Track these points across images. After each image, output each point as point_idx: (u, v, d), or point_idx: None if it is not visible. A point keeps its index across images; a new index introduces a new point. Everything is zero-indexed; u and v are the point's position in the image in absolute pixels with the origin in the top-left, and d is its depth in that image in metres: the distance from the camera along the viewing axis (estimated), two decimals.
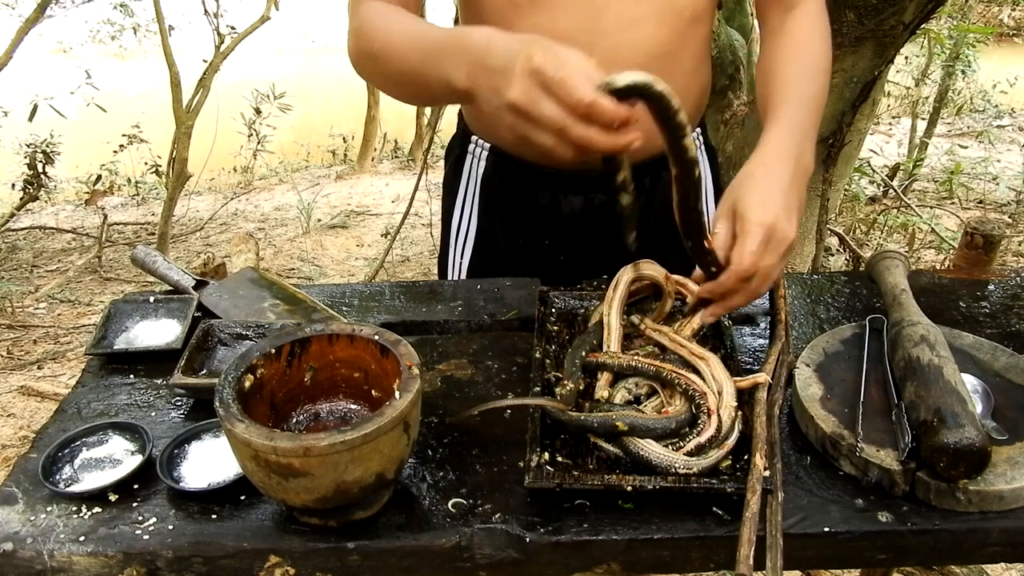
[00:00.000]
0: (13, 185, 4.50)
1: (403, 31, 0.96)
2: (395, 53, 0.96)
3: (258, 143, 5.40)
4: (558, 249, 1.25)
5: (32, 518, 0.77)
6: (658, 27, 1.08)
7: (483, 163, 1.27)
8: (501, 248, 1.29)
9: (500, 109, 0.79)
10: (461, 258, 1.33)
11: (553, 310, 1.07)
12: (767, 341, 1.04)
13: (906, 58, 5.50)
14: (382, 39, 0.98)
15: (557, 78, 0.74)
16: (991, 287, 1.17)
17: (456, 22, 1.20)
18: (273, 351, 0.80)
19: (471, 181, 1.30)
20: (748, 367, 0.98)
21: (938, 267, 3.64)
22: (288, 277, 4.07)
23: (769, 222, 0.89)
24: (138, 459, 0.83)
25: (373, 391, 0.84)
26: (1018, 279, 1.19)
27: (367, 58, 1.01)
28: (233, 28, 4.43)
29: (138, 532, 0.76)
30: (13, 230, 4.71)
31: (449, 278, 1.35)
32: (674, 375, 0.86)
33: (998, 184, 4.80)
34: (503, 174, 1.24)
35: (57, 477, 0.81)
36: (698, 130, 1.29)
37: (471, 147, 1.29)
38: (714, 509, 0.77)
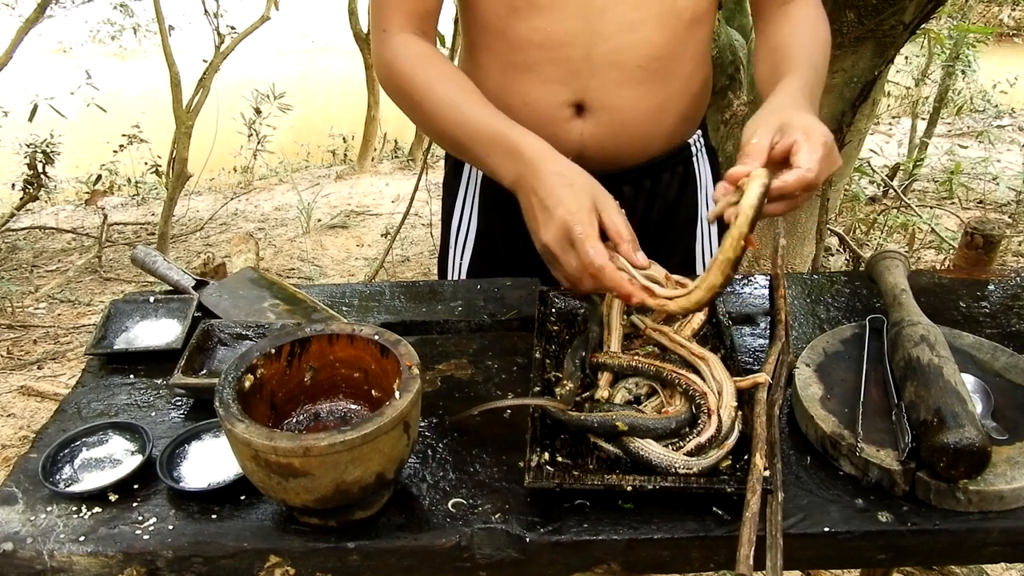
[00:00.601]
0: (13, 185, 4.50)
1: (446, 100, 1.03)
2: (438, 119, 1.04)
3: (258, 143, 5.41)
4: None
5: (32, 518, 0.77)
6: (657, 30, 1.08)
7: None
8: (501, 249, 1.29)
9: (534, 232, 0.94)
10: (461, 259, 1.33)
11: (553, 310, 1.07)
12: (767, 341, 1.04)
13: (906, 58, 5.51)
14: (423, 96, 1.04)
15: (581, 242, 0.86)
16: (991, 287, 1.17)
17: (456, 23, 1.21)
18: (273, 351, 0.80)
19: (471, 182, 1.30)
20: (748, 367, 0.98)
21: (938, 267, 3.64)
22: (288, 277, 4.07)
23: (831, 139, 0.86)
24: (138, 459, 0.83)
25: (373, 391, 0.84)
26: (1018, 279, 1.19)
27: (406, 104, 1.07)
28: (233, 28, 4.43)
29: (138, 532, 0.76)
30: (13, 230, 4.71)
31: (449, 278, 1.35)
32: (674, 375, 0.86)
33: (998, 184, 4.80)
34: None
35: (57, 477, 0.81)
36: (699, 132, 1.29)
37: None
38: (714, 509, 0.77)
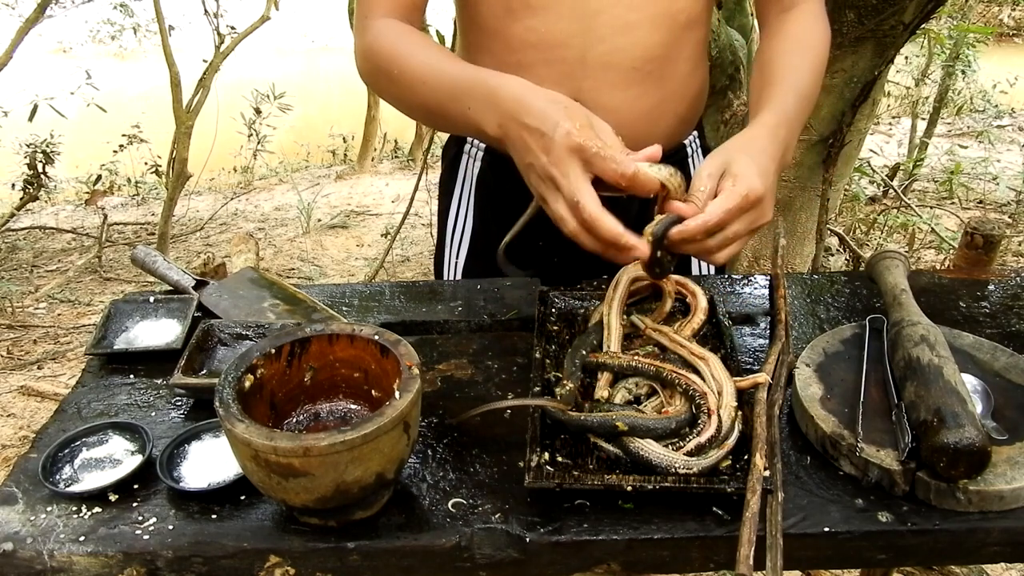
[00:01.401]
0: (13, 185, 4.50)
1: (425, 64, 0.98)
2: (418, 85, 0.99)
3: (258, 143, 5.41)
4: (553, 250, 1.25)
5: (32, 518, 0.77)
6: (653, 31, 1.08)
7: (479, 163, 1.27)
8: (496, 248, 1.29)
9: (529, 167, 0.87)
10: (457, 258, 1.33)
11: (553, 310, 1.07)
12: (767, 341, 1.04)
13: (906, 58, 5.50)
14: (401, 66, 1.00)
15: (601, 154, 0.80)
16: (991, 287, 1.17)
17: (455, 27, 1.21)
18: (273, 351, 0.80)
19: (467, 181, 1.30)
20: (748, 367, 0.98)
21: (938, 267, 3.64)
22: (288, 277, 4.07)
23: (759, 194, 0.86)
24: (138, 459, 0.83)
25: (373, 391, 0.84)
26: (1018, 279, 1.19)
27: (385, 80, 1.03)
28: (233, 28, 4.43)
29: (138, 532, 0.76)
30: (13, 230, 4.71)
31: (445, 278, 1.35)
32: (674, 375, 0.86)
33: (998, 184, 4.80)
34: (499, 174, 1.24)
35: (57, 477, 0.81)
36: (695, 133, 1.29)
37: (467, 147, 1.29)
38: (714, 509, 0.77)
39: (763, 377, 0.86)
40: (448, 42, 4.54)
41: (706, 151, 1.33)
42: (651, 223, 0.87)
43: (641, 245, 0.84)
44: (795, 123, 1.00)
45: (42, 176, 4.31)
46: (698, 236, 0.86)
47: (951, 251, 3.72)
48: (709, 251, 0.89)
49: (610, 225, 0.82)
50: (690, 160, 1.28)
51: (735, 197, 0.85)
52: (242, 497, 0.80)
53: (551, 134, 0.83)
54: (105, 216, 4.59)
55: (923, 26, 2.34)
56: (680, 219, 0.86)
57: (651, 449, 0.78)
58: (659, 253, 0.87)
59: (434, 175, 1.49)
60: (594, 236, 0.84)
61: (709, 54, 1.94)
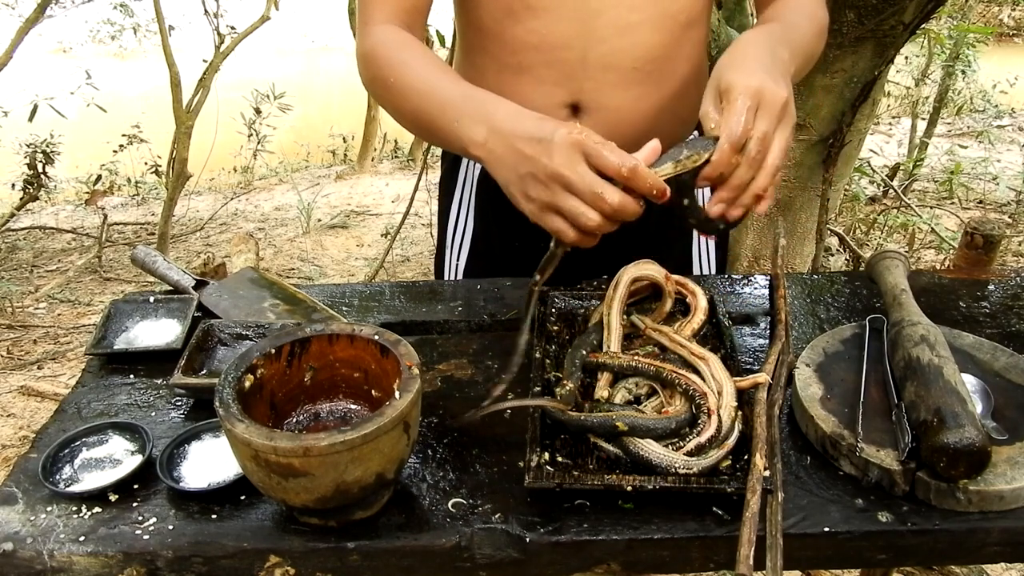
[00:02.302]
0: (13, 185, 4.49)
1: (419, 75, 0.97)
2: (411, 94, 0.98)
3: (258, 143, 5.40)
4: None
5: (32, 518, 0.77)
6: (653, 32, 1.08)
7: (479, 166, 1.27)
8: (497, 250, 1.29)
9: (527, 177, 0.84)
10: (457, 260, 1.33)
11: (553, 310, 1.07)
12: (767, 341, 1.04)
13: (906, 58, 5.50)
14: (398, 75, 0.99)
15: (601, 147, 0.79)
16: (991, 287, 1.17)
17: (454, 29, 1.21)
18: (273, 351, 0.80)
19: (467, 182, 1.30)
20: (748, 367, 0.98)
21: (938, 267, 3.64)
22: (288, 277, 4.07)
23: (754, 85, 0.83)
24: (138, 459, 0.83)
25: (373, 391, 0.84)
26: (1018, 279, 1.19)
27: (381, 87, 1.02)
28: (233, 28, 4.43)
29: (138, 532, 0.76)
30: (13, 230, 4.71)
31: (446, 279, 1.35)
32: (674, 375, 0.86)
33: (998, 184, 4.80)
34: None
35: (57, 477, 0.81)
36: (695, 132, 1.29)
37: None
38: (714, 509, 0.77)
39: (763, 377, 0.86)
40: (448, 42, 4.55)
41: None
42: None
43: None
44: (785, 39, 0.96)
45: (42, 176, 4.30)
46: (731, 160, 0.82)
47: (951, 251, 3.72)
48: (758, 165, 0.84)
49: (647, 172, 0.80)
50: None
51: (735, 103, 0.82)
52: (242, 497, 0.80)
53: (550, 137, 0.82)
54: (105, 216, 4.59)
55: (923, 26, 2.34)
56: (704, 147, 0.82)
57: (651, 449, 0.78)
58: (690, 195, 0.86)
59: (434, 175, 1.49)
60: (640, 188, 0.81)
61: (709, 54, 1.94)
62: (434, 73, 0.97)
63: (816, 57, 1.07)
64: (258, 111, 5.21)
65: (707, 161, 0.84)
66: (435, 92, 0.95)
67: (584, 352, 0.92)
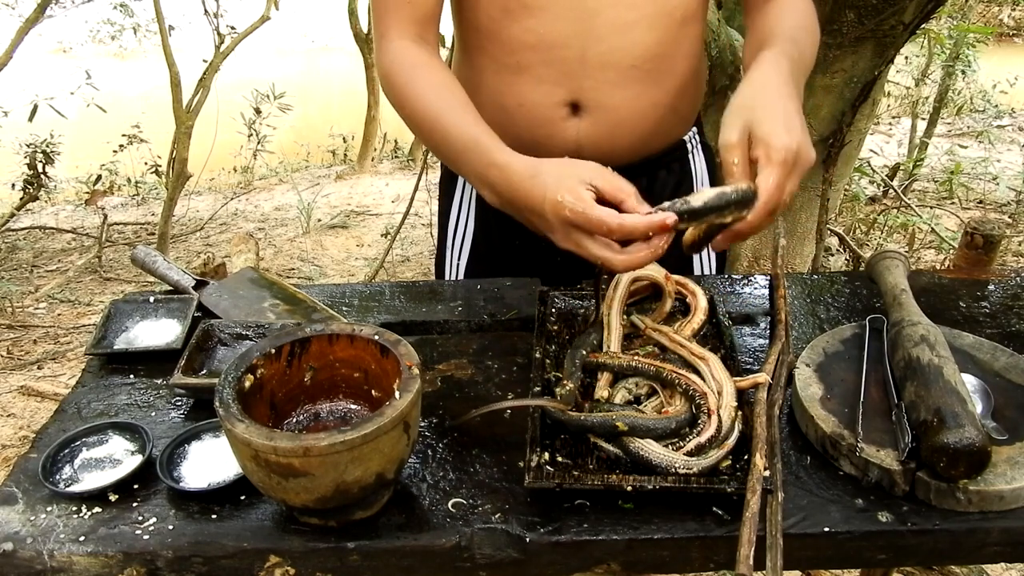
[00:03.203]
0: (13, 185, 4.49)
1: (432, 115, 1.02)
2: (427, 133, 1.04)
3: (258, 143, 5.40)
4: (555, 251, 1.25)
5: (32, 518, 0.77)
6: (651, 30, 1.08)
7: None
8: (498, 250, 1.29)
9: (550, 235, 0.89)
10: (458, 260, 1.33)
11: (553, 310, 1.07)
12: (767, 341, 1.04)
13: (906, 58, 5.50)
14: (413, 108, 1.04)
15: (586, 221, 0.82)
16: (991, 287, 1.17)
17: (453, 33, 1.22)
18: (273, 351, 0.80)
19: (467, 183, 1.30)
20: (748, 367, 0.98)
21: (938, 267, 3.64)
22: (288, 277, 4.07)
23: (795, 148, 0.83)
24: (138, 459, 0.83)
25: (373, 391, 0.84)
26: (1018, 279, 1.19)
27: (399, 112, 1.07)
28: (233, 28, 4.43)
29: (138, 532, 0.76)
30: (13, 230, 4.71)
31: (447, 278, 1.35)
32: (674, 375, 0.86)
33: (998, 184, 4.80)
34: None
35: (57, 477, 0.81)
36: (694, 129, 1.29)
37: None
38: (714, 509, 0.77)
39: (763, 377, 0.86)
40: (448, 42, 4.55)
41: (705, 147, 1.33)
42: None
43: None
44: (797, 66, 0.97)
45: (42, 176, 4.30)
46: (765, 221, 0.83)
47: (951, 251, 3.72)
48: (772, 219, 0.86)
49: (636, 219, 0.81)
50: (690, 156, 1.28)
51: (778, 167, 0.82)
52: (242, 497, 0.80)
53: (541, 212, 0.86)
54: (105, 216, 4.59)
55: (923, 26, 2.34)
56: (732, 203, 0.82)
57: (651, 449, 0.78)
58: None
59: (434, 175, 1.49)
60: (636, 237, 0.82)
61: (709, 53, 1.94)
62: (444, 112, 1.00)
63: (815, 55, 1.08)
64: (258, 111, 5.21)
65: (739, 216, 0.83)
66: (447, 138, 1.00)
67: (584, 352, 0.92)
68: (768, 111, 0.86)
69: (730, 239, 0.87)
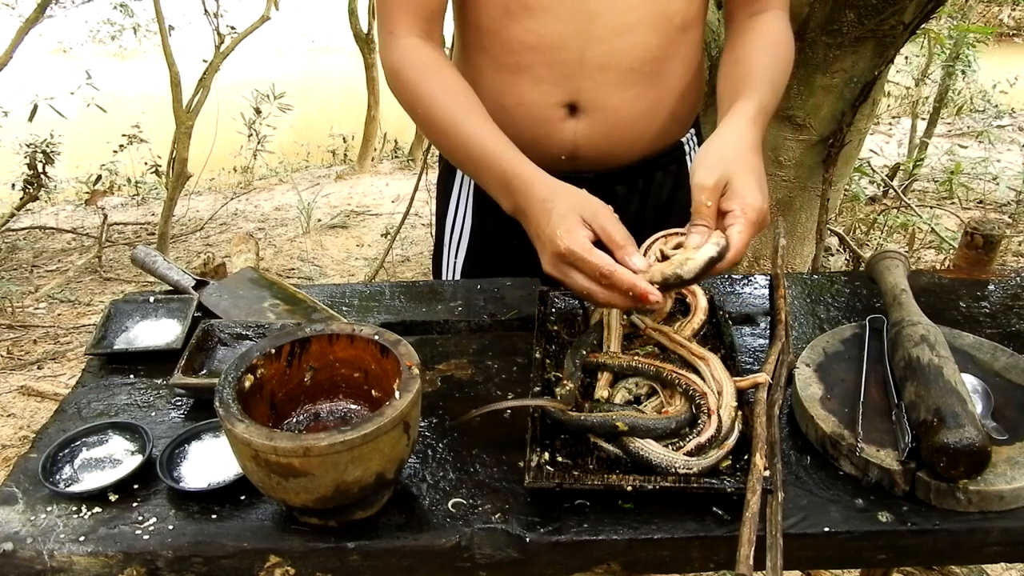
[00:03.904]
0: (13, 185, 4.49)
1: (445, 118, 1.03)
2: (439, 136, 1.05)
3: (258, 143, 5.40)
4: None
5: (32, 518, 0.77)
6: (650, 33, 1.09)
7: None
8: (495, 247, 1.30)
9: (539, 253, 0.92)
10: (455, 257, 1.33)
11: (553, 310, 1.07)
12: (767, 341, 1.04)
13: (906, 58, 5.50)
14: (425, 110, 1.05)
15: (582, 263, 0.85)
16: (991, 287, 1.17)
17: (453, 32, 1.22)
18: (273, 351, 0.80)
19: (465, 180, 1.30)
20: (748, 367, 0.98)
21: (938, 267, 3.64)
22: (288, 277, 4.07)
23: (766, 209, 0.89)
24: (138, 459, 0.83)
25: (373, 391, 0.84)
26: (1018, 279, 1.19)
27: (410, 112, 1.08)
28: (233, 28, 4.43)
29: (138, 532, 0.76)
30: (13, 230, 4.71)
31: (444, 277, 1.36)
32: (674, 375, 0.86)
33: (998, 184, 4.80)
34: None
35: (57, 477, 0.81)
36: (691, 131, 1.29)
37: None
38: (714, 509, 0.77)
39: (763, 377, 0.86)
40: (448, 42, 4.55)
41: None
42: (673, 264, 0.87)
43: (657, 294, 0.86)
44: (769, 112, 1.02)
45: (42, 176, 4.30)
46: (724, 270, 0.88)
47: (951, 251, 3.72)
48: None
49: (624, 274, 0.85)
50: (688, 158, 1.29)
51: (750, 226, 0.87)
52: (242, 497, 0.80)
53: (542, 240, 0.90)
54: (105, 216, 4.58)
55: (923, 26, 2.33)
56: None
57: (651, 449, 0.78)
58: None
59: (434, 175, 1.49)
60: (618, 288, 0.85)
61: (709, 54, 1.94)
62: (458, 116, 1.02)
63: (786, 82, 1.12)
64: (258, 111, 5.21)
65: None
66: (460, 143, 1.02)
67: (584, 352, 0.92)
68: (745, 169, 0.91)
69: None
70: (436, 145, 1.10)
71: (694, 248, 0.86)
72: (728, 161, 0.91)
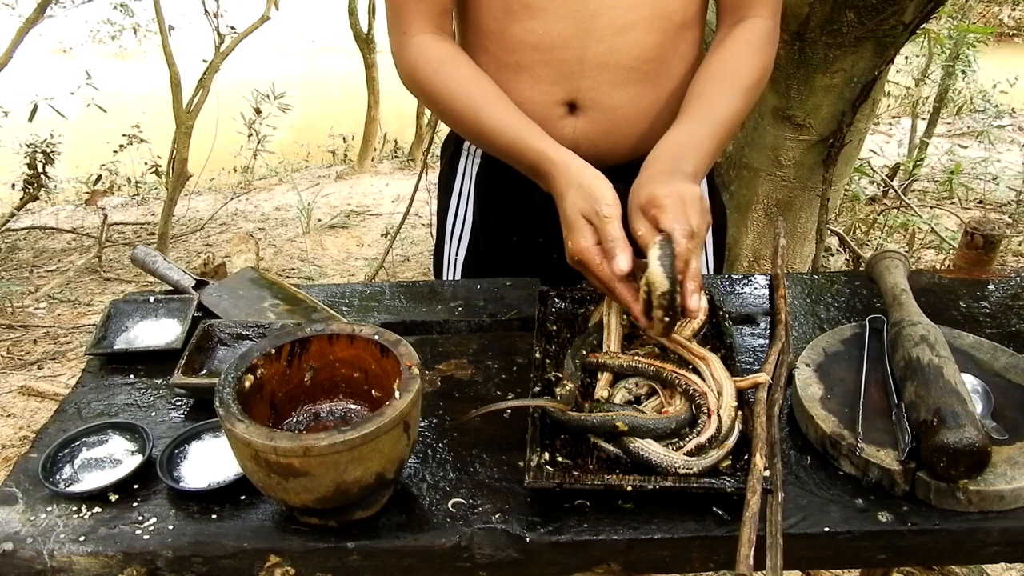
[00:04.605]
0: (13, 185, 4.49)
1: (469, 108, 1.06)
2: (464, 127, 1.09)
3: (258, 143, 5.41)
4: (552, 246, 1.25)
5: (32, 518, 0.77)
6: (649, 32, 1.09)
7: (478, 159, 1.28)
8: (496, 245, 1.30)
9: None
10: (456, 255, 1.33)
11: (553, 310, 1.07)
12: (767, 341, 1.04)
13: (906, 58, 5.50)
14: (447, 103, 1.08)
15: (586, 270, 0.91)
16: (991, 287, 1.17)
17: (454, 31, 1.22)
18: (273, 351, 0.80)
19: (466, 178, 1.30)
20: (748, 367, 0.98)
21: (938, 267, 3.64)
22: (288, 277, 4.07)
23: (690, 195, 0.90)
24: (138, 459, 0.83)
25: (373, 391, 0.84)
26: (1018, 279, 1.19)
27: (432, 107, 1.12)
28: (233, 28, 4.43)
29: (138, 532, 0.76)
30: (13, 230, 4.71)
31: (444, 275, 1.36)
32: (674, 375, 0.86)
33: (998, 184, 4.80)
34: (498, 171, 1.25)
35: (57, 477, 0.81)
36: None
37: (466, 144, 1.29)
38: (714, 509, 0.77)
39: (763, 377, 0.86)
40: None
41: None
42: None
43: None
44: (709, 147, 1.03)
45: (42, 176, 4.30)
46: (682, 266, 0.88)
47: (951, 251, 3.72)
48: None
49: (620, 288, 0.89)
50: None
51: (673, 207, 0.88)
52: (242, 497, 0.80)
53: (566, 234, 0.94)
54: (105, 216, 4.58)
55: (923, 26, 2.33)
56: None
57: (651, 449, 0.78)
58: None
59: (434, 175, 1.49)
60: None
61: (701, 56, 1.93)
62: (481, 105, 1.05)
63: (754, 103, 1.13)
64: (258, 111, 5.21)
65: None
66: (490, 134, 1.05)
67: (584, 352, 0.92)
68: (655, 176, 0.95)
69: None
70: (462, 135, 1.14)
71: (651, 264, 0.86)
72: (641, 185, 0.95)
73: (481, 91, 1.06)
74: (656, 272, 0.83)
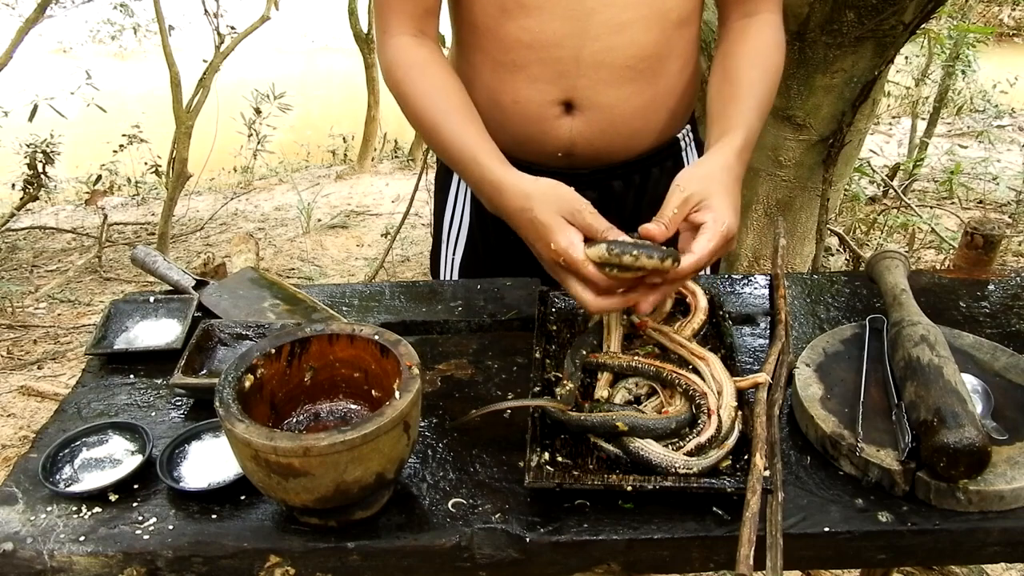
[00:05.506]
0: (13, 185, 4.49)
1: (431, 118, 1.05)
2: (426, 135, 1.08)
3: (258, 143, 5.40)
4: None
5: (32, 518, 0.77)
6: (646, 30, 1.09)
7: None
8: (493, 245, 1.30)
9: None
10: (453, 255, 1.33)
11: (553, 310, 1.07)
12: (767, 341, 1.04)
13: (906, 58, 5.50)
14: (413, 109, 1.07)
15: (576, 271, 0.88)
16: (991, 287, 1.17)
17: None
18: (273, 351, 0.80)
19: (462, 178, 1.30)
20: (748, 367, 0.98)
21: (938, 267, 3.64)
22: (288, 277, 4.07)
23: (735, 231, 0.92)
24: (138, 459, 0.83)
25: (373, 391, 0.84)
26: (1018, 279, 1.19)
27: (400, 107, 1.10)
28: (233, 28, 4.43)
29: (138, 532, 0.76)
30: (13, 230, 4.70)
31: (441, 275, 1.36)
32: (674, 375, 0.86)
33: (998, 184, 4.80)
34: None
35: (57, 477, 0.81)
36: (687, 127, 1.29)
37: None
38: (714, 509, 0.77)
39: (763, 377, 0.86)
40: (448, 41, 4.54)
41: (699, 144, 1.33)
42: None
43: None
44: (755, 139, 1.05)
45: (42, 176, 4.30)
46: (688, 275, 0.90)
47: (951, 251, 3.72)
48: (692, 276, 0.93)
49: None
50: (683, 153, 1.29)
51: (719, 237, 0.89)
52: (242, 497, 0.80)
53: (537, 246, 0.92)
54: (105, 216, 4.58)
55: (923, 26, 2.33)
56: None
57: (651, 449, 0.78)
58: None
59: (434, 174, 1.49)
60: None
61: (708, 51, 1.93)
62: (442, 117, 1.04)
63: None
64: (258, 111, 5.21)
65: (657, 268, 0.86)
66: (444, 145, 1.04)
67: (584, 352, 0.92)
68: (724, 191, 0.93)
69: (651, 291, 0.90)
70: (426, 143, 1.13)
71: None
72: (708, 182, 0.94)
73: (445, 100, 1.05)
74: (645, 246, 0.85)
